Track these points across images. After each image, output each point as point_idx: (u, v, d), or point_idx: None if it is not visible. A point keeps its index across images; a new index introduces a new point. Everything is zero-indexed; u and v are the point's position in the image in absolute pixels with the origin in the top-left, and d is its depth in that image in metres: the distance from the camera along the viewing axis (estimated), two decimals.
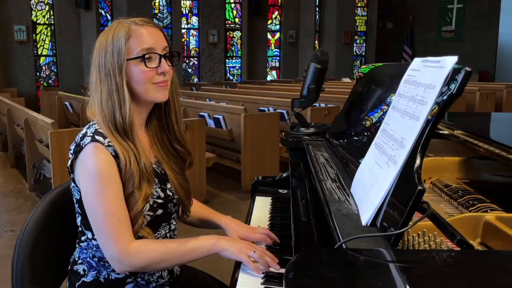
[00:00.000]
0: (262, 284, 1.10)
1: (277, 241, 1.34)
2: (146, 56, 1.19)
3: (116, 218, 1.14)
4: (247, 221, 1.60)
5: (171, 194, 1.29)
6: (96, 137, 1.16)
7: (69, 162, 1.20)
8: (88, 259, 1.25)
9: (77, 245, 1.28)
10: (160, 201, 1.25)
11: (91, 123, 1.23)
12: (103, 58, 1.19)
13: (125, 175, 1.16)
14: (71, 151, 1.19)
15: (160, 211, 1.25)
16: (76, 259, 1.28)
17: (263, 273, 1.12)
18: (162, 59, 1.21)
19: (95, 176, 1.14)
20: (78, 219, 1.26)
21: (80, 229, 1.26)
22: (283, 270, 1.11)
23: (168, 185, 1.29)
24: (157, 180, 1.26)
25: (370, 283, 0.69)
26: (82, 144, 1.16)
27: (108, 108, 1.18)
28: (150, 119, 1.31)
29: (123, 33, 1.18)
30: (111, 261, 1.17)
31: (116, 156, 1.16)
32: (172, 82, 1.27)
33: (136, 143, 1.20)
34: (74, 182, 1.21)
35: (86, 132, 1.19)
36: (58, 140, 3.49)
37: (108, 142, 1.17)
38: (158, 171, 1.28)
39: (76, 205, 1.24)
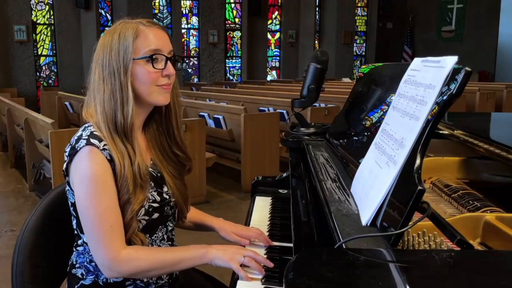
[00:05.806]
0: (262, 284, 1.10)
1: (270, 243, 1.33)
2: (154, 57, 1.18)
3: (108, 224, 1.13)
4: (247, 221, 1.60)
5: (167, 197, 1.28)
6: (92, 140, 1.14)
7: (64, 165, 1.19)
8: (85, 263, 1.24)
9: (74, 249, 1.27)
10: (156, 205, 1.24)
11: (86, 125, 1.21)
12: (108, 56, 1.17)
13: (119, 180, 1.15)
14: (66, 154, 1.18)
15: (156, 215, 1.24)
16: (74, 262, 1.27)
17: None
18: (168, 62, 1.20)
19: (88, 181, 1.13)
20: (74, 222, 1.24)
21: (76, 232, 1.25)
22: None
23: (165, 188, 1.28)
24: (153, 184, 1.24)
25: (370, 283, 0.69)
26: (77, 147, 1.15)
27: (111, 107, 1.17)
28: (149, 122, 1.30)
29: (130, 32, 1.17)
30: (100, 266, 1.16)
31: (111, 160, 1.15)
32: (174, 87, 1.26)
33: (134, 145, 1.19)
34: (69, 185, 1.20)
35: (81, 134, 1.17)
36: (58, 140, 3.49)
37: (104, 145, 1.15)
38: (154, 174, 1.27)
39: (71, 208, 1.23)
